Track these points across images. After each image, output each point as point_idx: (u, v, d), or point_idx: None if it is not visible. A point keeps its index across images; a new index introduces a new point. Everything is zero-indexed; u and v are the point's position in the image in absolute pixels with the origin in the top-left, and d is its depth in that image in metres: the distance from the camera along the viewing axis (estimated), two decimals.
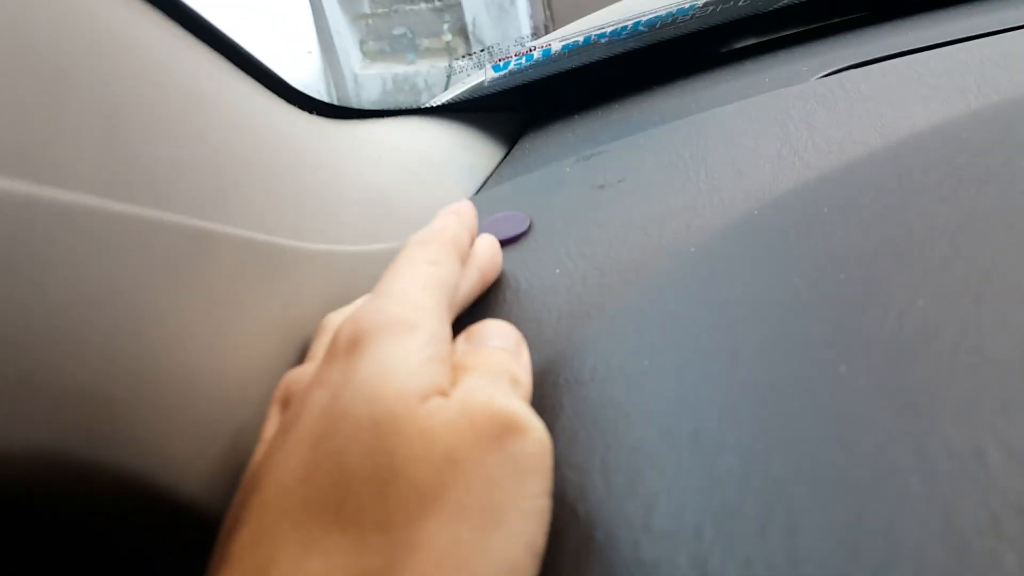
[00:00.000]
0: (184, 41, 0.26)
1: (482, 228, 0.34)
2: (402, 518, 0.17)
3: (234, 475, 0.22)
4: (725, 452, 0.19)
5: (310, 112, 0.35)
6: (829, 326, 0.21)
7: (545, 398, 0.25)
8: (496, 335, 0.24)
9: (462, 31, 2.03)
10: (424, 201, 0.40)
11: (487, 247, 0.31)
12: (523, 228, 0.34)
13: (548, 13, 1.95)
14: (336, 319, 0.28)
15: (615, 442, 0.21)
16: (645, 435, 0.21)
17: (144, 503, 0.21)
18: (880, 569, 0.15)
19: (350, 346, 0.20)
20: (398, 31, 2.19)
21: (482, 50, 0.44)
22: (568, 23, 0.53)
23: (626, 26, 0.45)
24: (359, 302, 0.30)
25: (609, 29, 0.45)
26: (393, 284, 0.23)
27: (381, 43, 2.25)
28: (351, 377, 0.20)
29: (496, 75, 0.46)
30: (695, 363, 0.23)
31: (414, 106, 0.46)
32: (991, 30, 0.39)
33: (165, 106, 0.23)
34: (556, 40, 0.47)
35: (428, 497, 0.18)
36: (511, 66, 0.46)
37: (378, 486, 0.18)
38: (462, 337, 0.24)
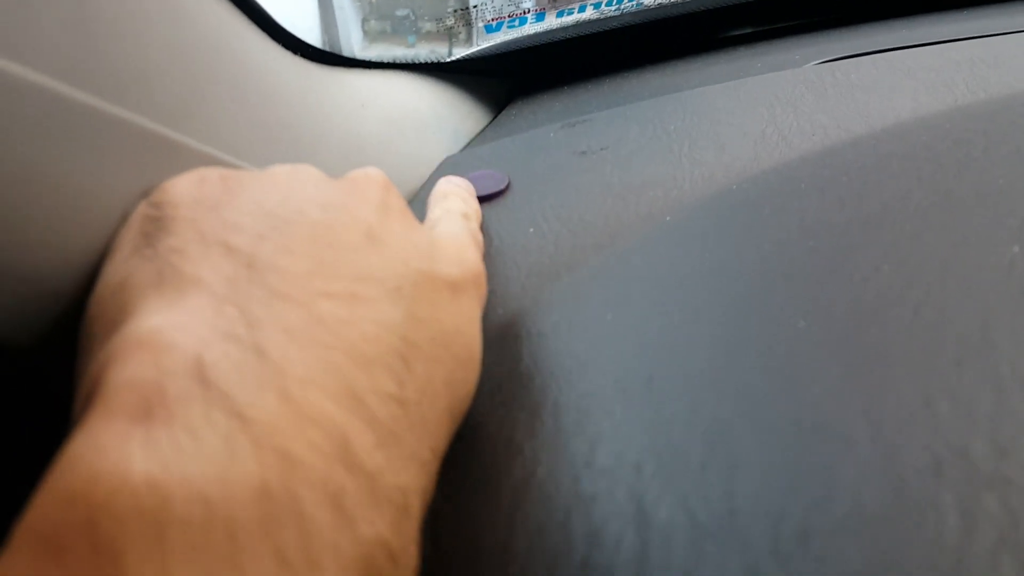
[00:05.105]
0: None
1: None
2: None
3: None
4: (676, 397, 0.19)
5: (295, 53, 0.34)
6: (793, 286, 0.21)
7: (506, 348, 0.24)
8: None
9: (464, 16, 2.02)
10: (404, 154, 0.39)
11: None
12: (501, 186, 0.34)
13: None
14: None
15: (569, 387, 0.21)
16: (600, 382, 0.21)
17: None
18: (815, 506, 0.14)
19: None
20: (401, 12, 2.18)
21: (474, 6, 0.44)
22: None
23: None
24: None
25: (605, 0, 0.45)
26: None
27: (383, 23, 2.24)
28: None
29: (488, 36, 0.45)
30: (657, 318, 0.22)
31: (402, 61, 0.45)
32: (984, 33, 0.39)
33: (139, 8, 0.22)
34: (550, 7, 0.47)
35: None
36: (504, 28, 0.46)
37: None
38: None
